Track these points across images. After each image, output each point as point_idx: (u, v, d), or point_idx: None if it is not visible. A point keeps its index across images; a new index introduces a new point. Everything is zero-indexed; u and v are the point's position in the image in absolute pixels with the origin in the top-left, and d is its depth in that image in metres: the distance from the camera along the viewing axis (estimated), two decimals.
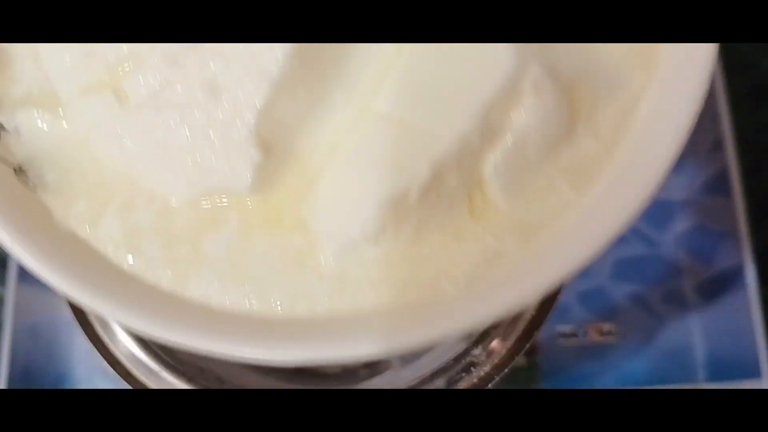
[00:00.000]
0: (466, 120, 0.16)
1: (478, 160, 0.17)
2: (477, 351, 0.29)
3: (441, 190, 0.17)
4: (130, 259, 0.18)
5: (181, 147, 0.17)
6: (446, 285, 0.17)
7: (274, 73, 0.16)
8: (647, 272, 0.48)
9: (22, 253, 0.17)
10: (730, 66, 0.51)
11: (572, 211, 0.17)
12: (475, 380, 0.29)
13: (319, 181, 0.18)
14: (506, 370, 0.29)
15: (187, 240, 0.18)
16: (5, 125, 0.19)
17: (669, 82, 0.18)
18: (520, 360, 0.29)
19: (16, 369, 0.45)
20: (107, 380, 0.45)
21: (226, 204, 0.18)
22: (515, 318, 0.29)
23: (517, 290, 0.16)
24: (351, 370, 0.40)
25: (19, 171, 0.19)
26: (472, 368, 0.29)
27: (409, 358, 0.37)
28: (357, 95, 0.17)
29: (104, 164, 0.19)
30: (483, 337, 0.29)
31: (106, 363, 0.30)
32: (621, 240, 0.47)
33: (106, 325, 0.30)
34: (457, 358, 0.29)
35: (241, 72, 0.17)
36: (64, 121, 0.19)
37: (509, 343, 0.29)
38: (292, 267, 0.18)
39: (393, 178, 0.16)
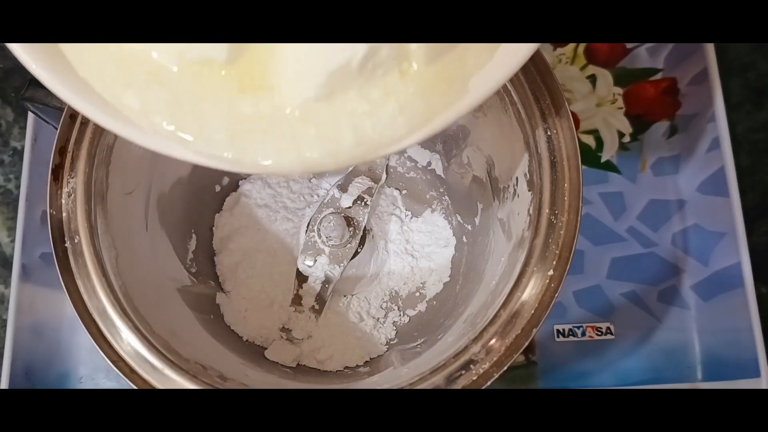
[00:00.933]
0: None
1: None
2: (476, 348, 0.29)
3: (376, 60, 0.21)
4: (134, 101, 0.22)
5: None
6: (369, 131, 0.22)
7: None
8: (644, 271, 0.48)
9: (57, 88, 0.21)
10: (727, 68, 0.51)
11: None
12: (474, 378, 0.29)
13: (280, 49, 0.22)
14: (505, 367, 0.29)
15: (171, 91, 0.22)
16: None
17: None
18: (518, 358, 0.29)
19: (17, 368, 0.45)
20: (110, 378, 0.46)
21: (207, 72, 0.22)
22: (513, 316, 0.30)
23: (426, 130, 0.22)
24: (352, 368, 0.40)
25: None
26: (471, 366, 0.29)
27: (408, 356, 0.37)
28: None
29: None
30: (482, 335, 0.30)
31: (109, 361, 0.30)
32: (619, 239, 0.47)
33: (109, 323, 0.30)
34: (457, 356, 0.30)
35: None
36: None
37: (508, 340, 0.29)
38: (266, 121, 0.22)
39: (337, 51, 0.21)
